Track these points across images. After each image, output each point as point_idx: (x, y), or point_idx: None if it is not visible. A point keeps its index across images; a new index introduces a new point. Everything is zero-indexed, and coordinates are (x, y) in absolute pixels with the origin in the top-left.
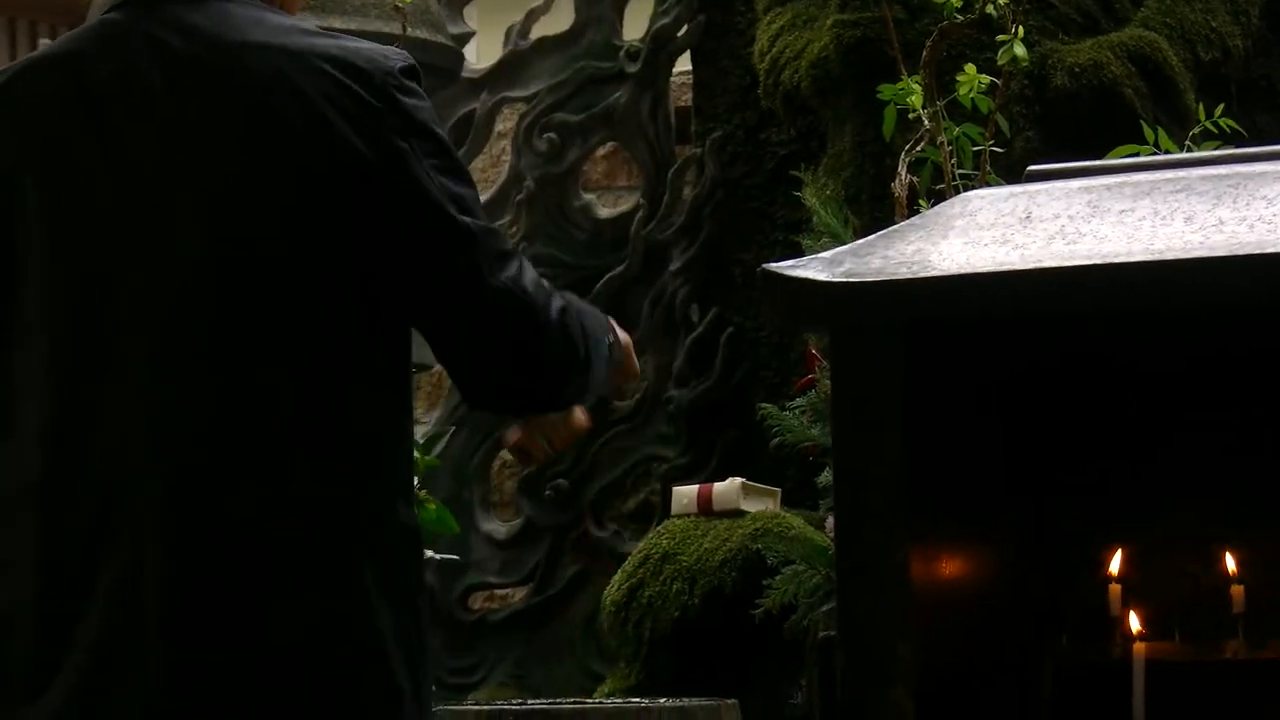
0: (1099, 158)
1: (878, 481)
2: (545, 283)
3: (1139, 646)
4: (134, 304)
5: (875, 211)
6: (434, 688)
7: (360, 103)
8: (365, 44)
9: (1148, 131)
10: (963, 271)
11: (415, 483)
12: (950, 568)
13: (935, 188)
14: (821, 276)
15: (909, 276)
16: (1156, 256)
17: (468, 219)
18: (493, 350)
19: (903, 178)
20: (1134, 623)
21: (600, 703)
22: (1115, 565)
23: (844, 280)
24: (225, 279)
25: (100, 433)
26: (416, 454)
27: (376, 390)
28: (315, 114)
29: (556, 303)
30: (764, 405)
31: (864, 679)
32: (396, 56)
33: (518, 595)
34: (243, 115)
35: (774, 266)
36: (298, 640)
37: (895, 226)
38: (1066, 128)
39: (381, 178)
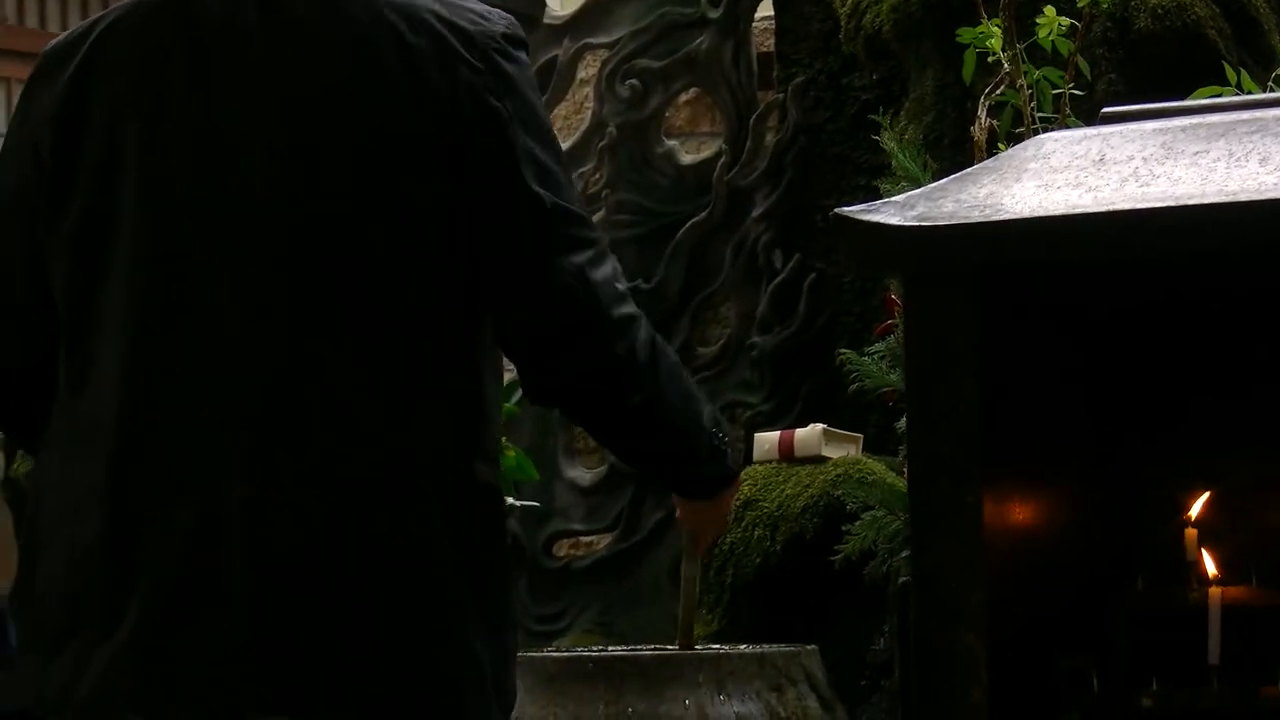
0: (1181, 100)
1: (950, 427)
2: (626, 292)
3: (1214, 591)
4: (220, 252)
5: (956, 156)
6: (517, 635)
7: (461, 61)
8: (472, 4)
9: (1230, 73)
10: (1035, 215)
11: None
12: (1024, 513)
13: (1015, 131)
14: (894, 221)
15: (981, 220)
16: (1230, 198)
17: (547, 193)
18: (547, 333)
19: (982, 121)
20: (1210, 567)
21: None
22: (1192, 510)
23: (915, 224)
24: (311, 229)
25: (181, 378)
26: None
27: (455, 346)
28: (415, 68)
29: (629, 310)
30: (843, 351)
31: (937, 625)
32: (501, 21)
33: (602, 542)
34: (341, 65)
35: (847, 211)
36: (374, 586)
37: (968, 170)
38: (1149, 70)
39: (472, 138)
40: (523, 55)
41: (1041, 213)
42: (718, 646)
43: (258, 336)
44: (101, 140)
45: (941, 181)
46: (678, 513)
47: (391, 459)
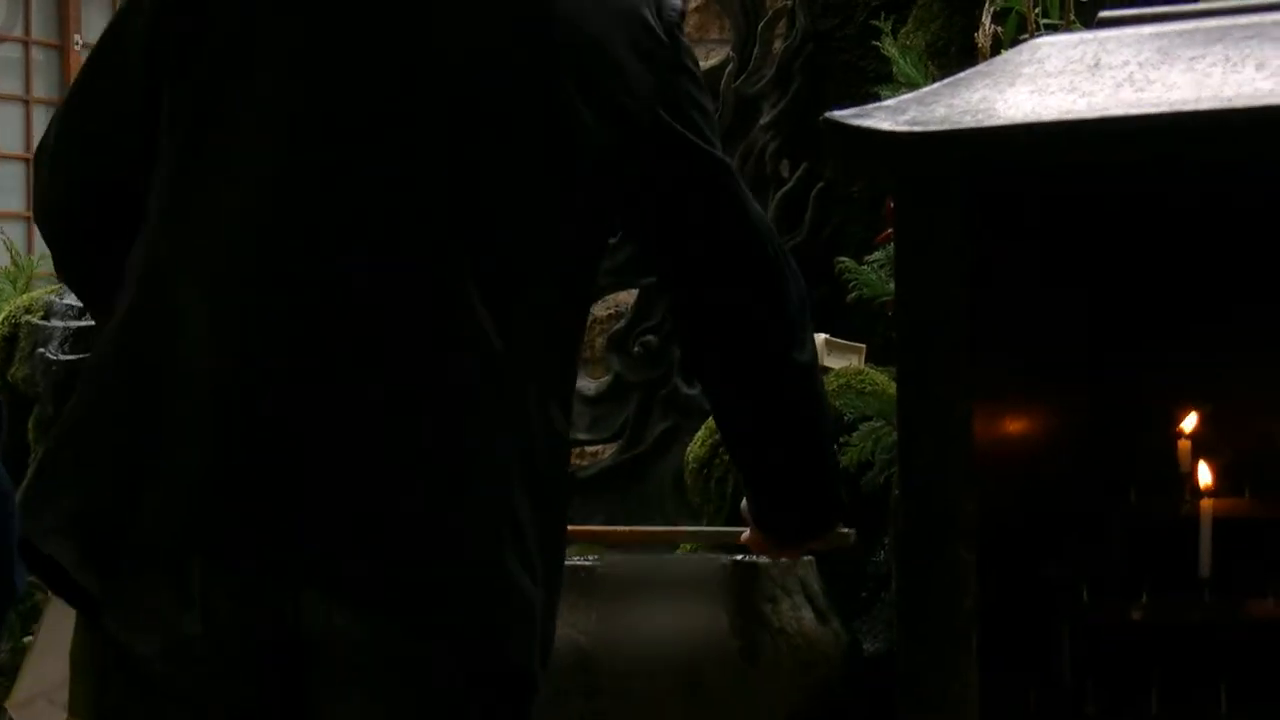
0: (1179, 4)
1: (940, 336)
2: None
3: (1207, 502)
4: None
5: (964, 63)
6: (559, 597)
7: (651, 34)
8: None
9: None
10: (1028, 120)
11: None
12: (1017, 425)
13: (1020, 38)
14: (884, 126)
15: (973, 126)
16: (1225, 104)
17: (727, 158)
18: (736, 283)
19: (986, 28)
20: (1204, 478)
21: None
22: (1187, 423)
23: (906, 130)
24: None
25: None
26: None
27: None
28: (606, 34)
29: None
30: (841, 259)
31: (926, 535)
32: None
33: (607, 452)
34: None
35: (835, 115)
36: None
37: (961, 75)
38: None
39: (658, 108)
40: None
41: (1034, 118)
42: (713, 555)
43: (387, 248)
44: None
45: (934, 86)
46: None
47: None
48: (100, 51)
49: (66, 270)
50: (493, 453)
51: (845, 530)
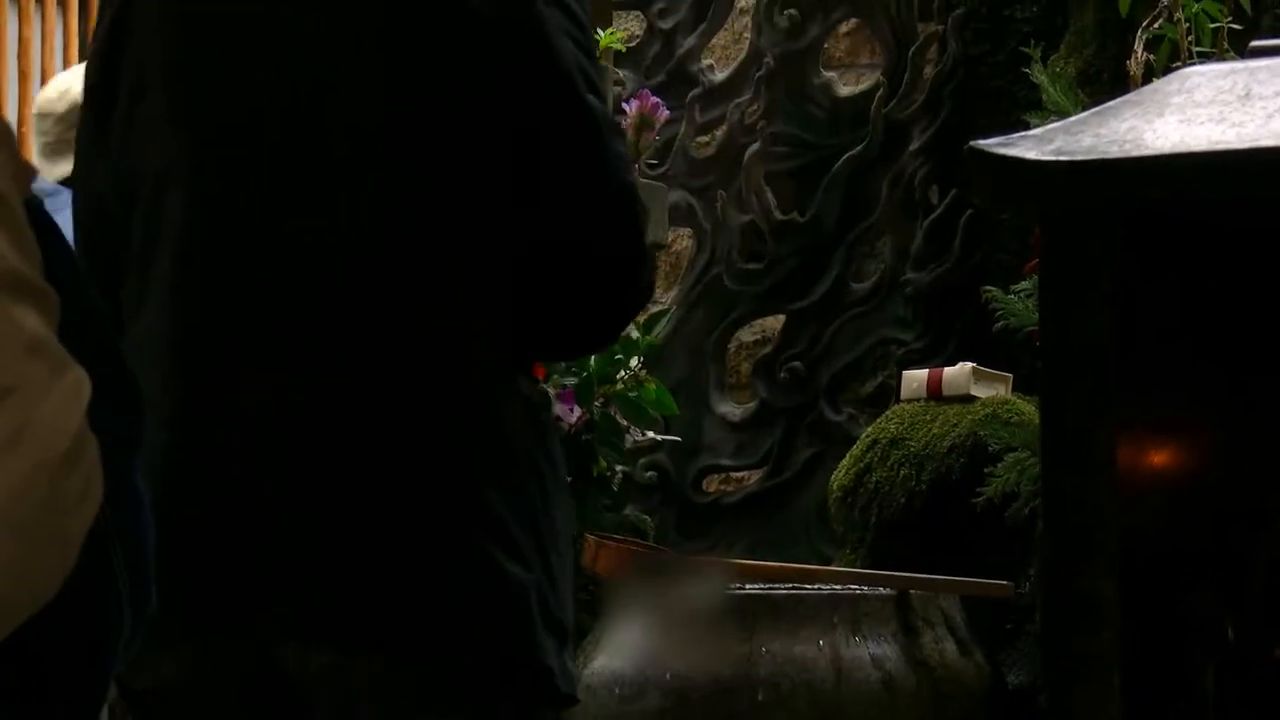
0: None
1: (1083, 365)
2: None
3: None
4: (268, 164)
5: (1116, 90)
6: (569, 559)
7: None
8: None
9: None
10: (1176, 150)
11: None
12: (1160, 456)
13: (1172, 67)
14: (1029, 155)
15: (1120, 155)
16: None
17: (594, 99)
18: (602, 243)
19: (1139, 55)
20: None
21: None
22: None
23: (1052, 159)
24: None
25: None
26: (636, 334)
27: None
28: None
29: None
30: (988, 288)
31: (1068, 567)
32: None
33: (752, 478)
34: None
35: (981, 144)
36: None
37: (1109, 104)
38: None
39: (512, 43)
40: None
41: (1182, 148)
42: (855, 586)
43: (298, 255)
44: (133, 62)
45: (1082, 115)
46: None
47: (415, 366)
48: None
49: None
50: (448, 449)
51: (1003, 582)
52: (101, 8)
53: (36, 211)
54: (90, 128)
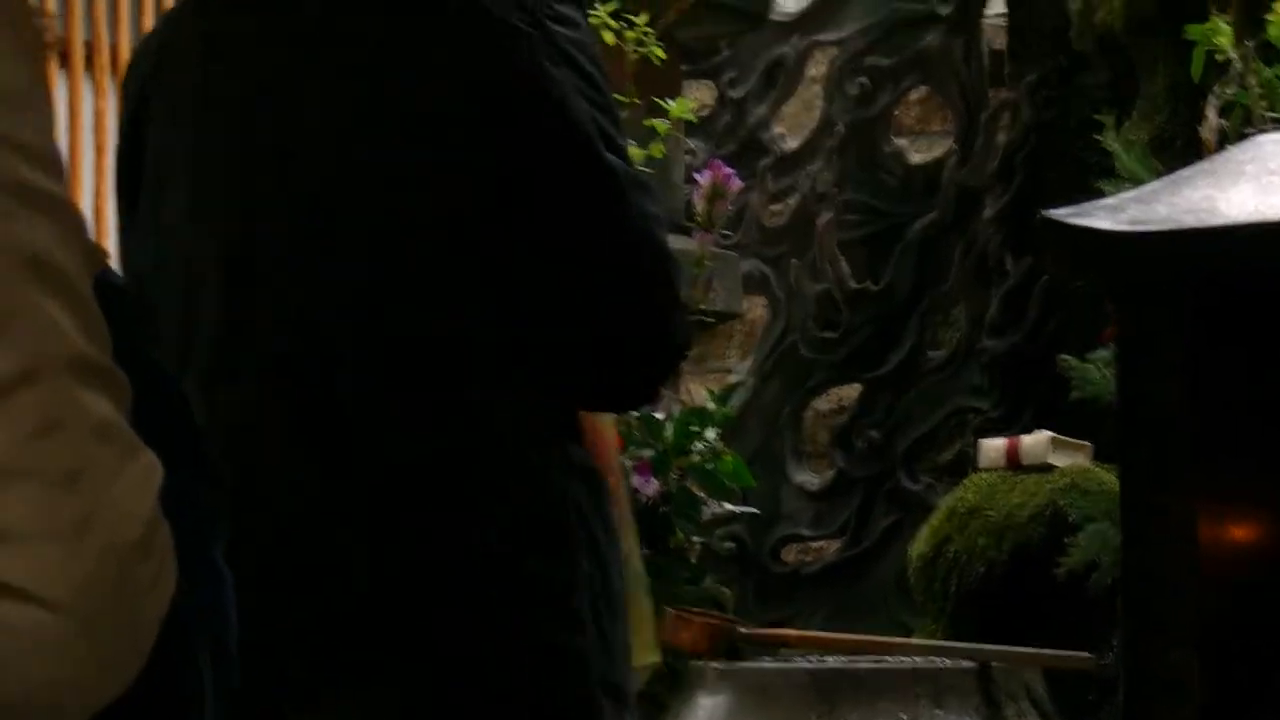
0: None
1: (1161, 437)
2: None
3: None
4: (262, 216)
5: (1188, 157)
6: (622, 623)
7: (508, 27)
8: None
9: None
10: (1252, 220)
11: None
12: (1241, 527)
13: (1245, 132)
14: (1104, 225)
15: (1195, 225)
16: None
17: (614, 158)
18: (631, 300)
19: (1211, 121)
20: None
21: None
22: None
23: (1126, 229)
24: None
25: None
26: (712, 404)
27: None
28: (459, 33)
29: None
30: (1064, 357)
31: (1149, 639)
32: None
33: (831, 548)
34: (383, 25)
35: (1053, 214)
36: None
37: (1183, 172)
38: None
39: (524, 105)
40: (576, 15)
41: (1258, 218)
42: (936, 660)
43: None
44: (152, 158)
45: (1155, 184)
46: None
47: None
48: None
49: None
50: (455, 519)
51: (1085, 654)
52: (121, 105)
53: (109, 289)
54: (122, 219)
